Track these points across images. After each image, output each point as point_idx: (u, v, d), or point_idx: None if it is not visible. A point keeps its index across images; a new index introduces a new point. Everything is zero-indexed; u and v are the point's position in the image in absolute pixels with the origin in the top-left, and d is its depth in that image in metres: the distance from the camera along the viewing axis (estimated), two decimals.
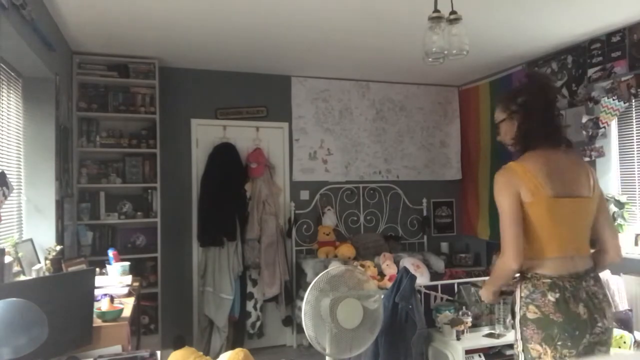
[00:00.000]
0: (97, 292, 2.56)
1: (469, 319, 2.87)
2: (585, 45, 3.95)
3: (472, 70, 4.84)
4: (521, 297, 1.76)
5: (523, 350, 1.74)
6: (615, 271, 3.42)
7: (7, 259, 2.37)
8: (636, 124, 3.67)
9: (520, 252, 1.70)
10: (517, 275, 1.80)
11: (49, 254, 2.97)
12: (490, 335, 2.88)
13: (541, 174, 1.74)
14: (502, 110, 1.99)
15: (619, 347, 2.86)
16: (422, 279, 4.02)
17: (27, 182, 3.19)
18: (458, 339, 2.79)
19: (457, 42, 2.24)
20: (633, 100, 3.61)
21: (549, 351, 1.67)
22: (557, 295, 1.68)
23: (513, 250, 1.71)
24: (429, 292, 3.10)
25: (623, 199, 3.64)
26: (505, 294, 1.93)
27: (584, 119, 3.85)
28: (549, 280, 1.70)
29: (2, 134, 2.82)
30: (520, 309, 1.75)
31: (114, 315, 2.39)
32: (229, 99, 4.72)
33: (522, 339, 1.74)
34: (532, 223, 1.73)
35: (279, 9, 3.21)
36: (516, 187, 1.75)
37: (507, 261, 1.72)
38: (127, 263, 3.39)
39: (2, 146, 2.81)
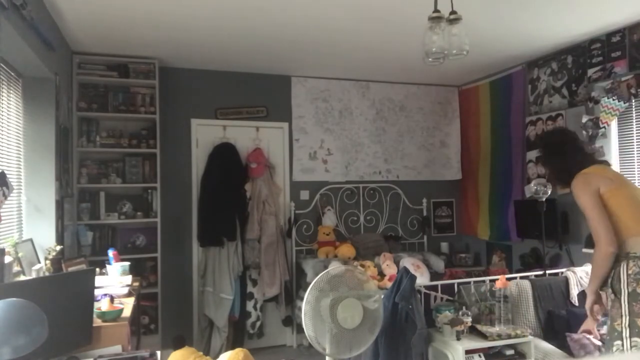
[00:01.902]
0: (97, 292, 2.57)
1: (469, 319, 2.87)
2: (585, 45, 3.95)
3: (472, 70, 4.84)
4: (628, 274, 1.96)
5: (629, 325, 1.93)
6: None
7: (7, 259, 2.36)
8: (636, 124, 3.67)
9: (613, 236, 2.02)
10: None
11: (49, 254, 2.97)
12: (490, 335, 2.88)
13: (604, 174, 2.21)
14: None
15: None
16: (422, 279, 4.02)
17: (27, 182, 3.19)
18: (458, 339, 2.79)
19: (457, 42, 2.24)
20: (633, 100, 3.61)
21: None
22: None
23: (605, 236, 2.02)
24: (429, 292, 3.10)
25: None
26: None
27: (584, 119, 3.85)
28: None
29: (2, 134, 2.82)
30: (628, 285, 1.94)
31: (114, 315, 2.39)
32: (229, 99, 4.72)
33: (629, 313, 1.94)
34: (615, 208, 2.06)
35: (279, 9, 3.21)
36: (594, 184, 2.13)
37: (604, 247, 2.02)
38: (127, 263, 3.39)
39: (2, 146, 2.81)
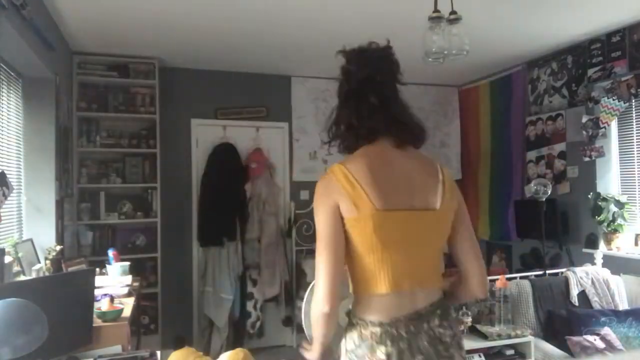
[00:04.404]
0: (97, 292, 2.56)
1: (469, 319, 2.87)
2: (585, 45, 3.95)
3: (472, 70, 4.83)
4: (346, 350, 1.35)
5: None
6: (615, 271, 3.42)
7: (7, 259, 2.37)
8: (636, 124, 3.67)
9: (333, 289, 1.26)
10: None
11: (49, 254, 2.96)
12: (490, 335, 2.88)
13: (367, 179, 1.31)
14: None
15: None
16: None
17: (27, 182, 3.19)
18: None
19: (457, 42, 2.25)
20: (633, 100, 3.61)
21: None
22: (390, 349, 1.25)
23: (323, 287, 1.27)
24: None
25: (623, 199, 3.64)
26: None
27: (584, 119, 3.85)
28: (378, 330, 1.27)
29: (2, 134, 2.82)
30: None
31: (114, 315, 2.39)
32: (229, 99, 4.72)
33: None
34: (355, 247, 1.30)
35: (279, 8, 3.21)
36: (334, 198, 1.30)
37: (317, 302, 1.29)
38: (127, 263, 3.38)
39: (2, 146, 2.81)
